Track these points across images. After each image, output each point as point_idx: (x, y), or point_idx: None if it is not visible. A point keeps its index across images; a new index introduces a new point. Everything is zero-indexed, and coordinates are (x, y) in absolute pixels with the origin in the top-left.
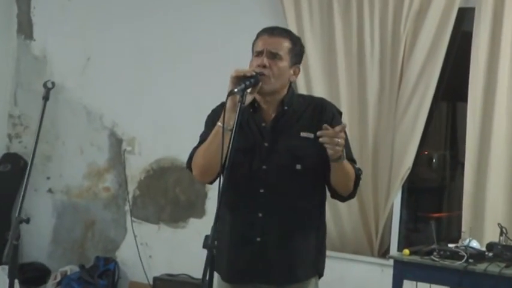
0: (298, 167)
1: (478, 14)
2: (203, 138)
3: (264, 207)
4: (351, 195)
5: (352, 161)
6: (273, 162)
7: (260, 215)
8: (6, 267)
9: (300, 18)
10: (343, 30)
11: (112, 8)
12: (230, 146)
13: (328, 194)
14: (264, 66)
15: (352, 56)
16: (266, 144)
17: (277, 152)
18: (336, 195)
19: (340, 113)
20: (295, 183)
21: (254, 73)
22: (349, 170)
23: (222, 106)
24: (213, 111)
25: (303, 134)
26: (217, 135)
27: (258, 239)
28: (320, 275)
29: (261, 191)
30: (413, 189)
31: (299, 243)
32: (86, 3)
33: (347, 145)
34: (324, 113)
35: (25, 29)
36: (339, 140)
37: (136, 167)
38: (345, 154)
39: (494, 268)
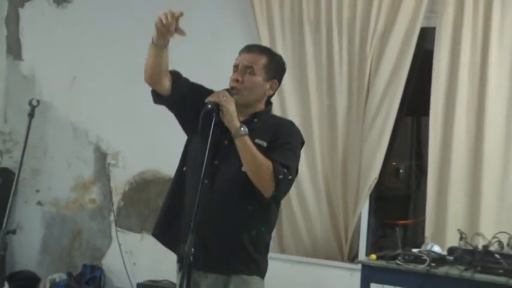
0: (243, 169)
1: (438, 33)
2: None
3: (207, 195)
4: (275, 197)
5: (281, 164)
6: (225, 160)
7: (205, 202)
8: None
9: (273, 38)
10: (313, 50)
11: (97, 29)
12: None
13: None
14: (237, 81)
15: (322, 74)
16: (226, 142)
17: (231, 152)
18: (258, 193)
19: (302, 141)
20: (238, 183)
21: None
22: (259, 157)
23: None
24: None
25: (257, 141)
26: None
27: (192, 224)
28: (258, 274)
29: (206, 181)
30: (380, 197)
31: (232, 237)
32: (72, 24)
33: (288, 151)
34: (281, 129)
35: (14, 49)
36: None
37: (121, 179)
38: (242, 130)
39: (454, 271)
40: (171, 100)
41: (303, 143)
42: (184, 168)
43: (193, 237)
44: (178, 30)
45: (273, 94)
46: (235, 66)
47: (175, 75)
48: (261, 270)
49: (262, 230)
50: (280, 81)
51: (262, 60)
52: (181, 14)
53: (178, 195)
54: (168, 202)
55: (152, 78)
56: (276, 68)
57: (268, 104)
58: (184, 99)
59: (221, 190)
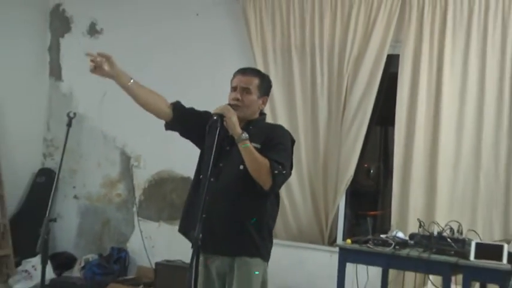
0: (241, 167)
1: (401, 59)
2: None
3: (212, 192)
4: (271, 189)
5: (276, 162)
6: (227, 161)
7: (207, 197)
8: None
9: (267, 62)
10: (299, 70)
11: (121, 54)
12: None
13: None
14: (238, 99)
15: (307, 90)
16: (227, 148)
17: (231, 154)
18: (259, 187)
19: (293, 141)
20: (236, 179)
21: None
22: (259, 158)
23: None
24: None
25: (252, 144)
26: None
27: (204, 215)
28: (260, 256)
29: (212, 179)
30: (355, 192)
31: (235, 224)
32: (103, 50)
33: (282, 150)
34: (273, 132)
35: (55, 72)
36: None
37: (142, 178)
38: (243, 136)
39: (414, 253)
40: (177, 125)
41: (293, 141)
42: (201, 176)
43: (201, 225)
44: (101, 59)
45: (264, 107)
46: (234, 87)
47: (176, 105)
48: (261, 253)
49: (261, 218)
50: (268, 96)
51: (256, 81)
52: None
53: (197, 199)
54: (188, 204)
55: (152, 111)
56: (266, 86)
57: (262, 114)
58: (187, 122)
59: (225, 186)
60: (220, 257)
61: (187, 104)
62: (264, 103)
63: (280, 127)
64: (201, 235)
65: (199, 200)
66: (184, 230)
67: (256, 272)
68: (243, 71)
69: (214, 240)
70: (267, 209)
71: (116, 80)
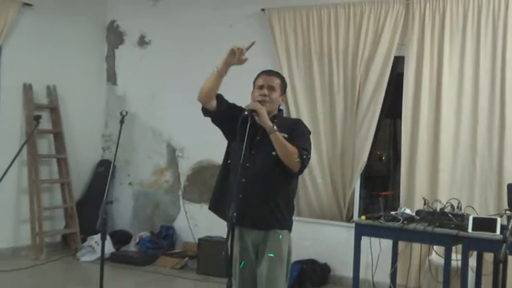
0: (274, 153)
1: (406, 60)
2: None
3: (247, 175)
4: (300, 171)
5: (302, 148)
6: (259, 149)
7: (243, 180)
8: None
9: (290, 64)
10: (319, 72)
11: (167, 61)
12: (244, 146)
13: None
14: (265, 95)
15: (325, 88)
16: (258, 138)
17: (263, 143)
18: (289, 170)
19: (309, 131)
20: (270, 164)
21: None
22: (288, 145)
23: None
24: (241, 107)
25: (281, 133)
26: (213, 75)
27: (241, 195)
28: (287, 228)
29: (247, 164)
30: (368, 176)
31: (267, 201)
32: (150, 59)
33: (303, 139)
34: (296, 125)
35: (111, 78)
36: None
37: (185, 166)
38: (275, 128)
39: (420, 227)
40: (217, 114)
41: (310, 132)
42: (229, 161)
43: (238, 204)
44: (243, 60)
45: (283, 103)
46: (260, 86)
47: (220, 97)
48: (288, 225)
49: (288, 196)
50: (285, 94)
51: (278, 80)
52: (251, 46)
53: (225, 181)
54: (217, 186)
55: (206, 99)
56: (284, 86)
57: (280, 110)
58: (225, 113)
59: (259, 170)
60: (255, 230)
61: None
62: (283, 100)
63: (300, 121)
64: (235, 213)
65: (230, 182)
66: (215, 209)
67: (281, 236)
68: (268, 72)
69: (252, 216)
70: (292, 188)
71: (227, 69)
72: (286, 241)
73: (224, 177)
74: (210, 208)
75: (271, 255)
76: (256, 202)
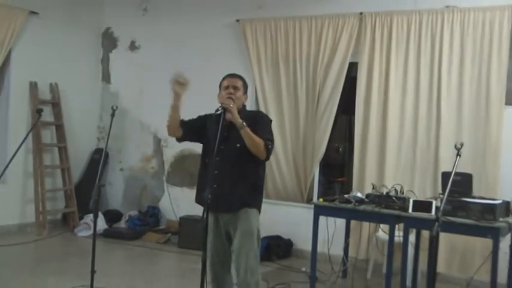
0: (238, 145)
1: (359, 66)
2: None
3: (219, 167)
4: (266, 158)
5: (267, 139)
6: (227, 143)
7: (216, 171)
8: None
9: (261, 69)
10: (285, 75)
11: (154, 63)
12: (218, 138)
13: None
14: (231, 93)
15: (290, 89)
16: (225, 134)
17: (230, 138)
18: (256, 158)
19: (271, 120)
20: (236, 155)
21: (231, 102)
22: (256, 139)
23: (208, 115)
24: (204, 115)
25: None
26: (172, 109)
27: (215, 185)
28: (256, 208)
29: (217, 158)
30: (326, 164)
31: (237, 187)
32: (140, 62)
33: (266, 130)
34: (257, 117)
35: (106, 78)
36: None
37: (169, 155)
38: (244, 124)
39: (369, 208)
40: (188, 136)
41: (271, 120)
42: (207, 160)
43: (213, 191)
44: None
45: (246, 101)
46: (226, 86)
47: (183, 123)
48: (257, 205)
49: (256, 179)
50: (247, 93)
51: (241, 82)
52: (185, 82)
53: (204, 177)
54: (199, 182)
55: (174, 131)
56: (246, 86)
57: (243, 106)
58: (193, 131)
59: (228, 160)
60: (228, 214)
61: (202, 102)
62: (246, 99)
63: (260, 112)
64: (210, 196)
65: (208, 176)
66: (199, 201)
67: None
68: (231, 75)
69: (225, 202)
70: (259, 173)
71: (179, 104)
72: (255, 219)
73: (203, 174)
74: (196, 201)
75: (243, 231)
76: (228, 189)
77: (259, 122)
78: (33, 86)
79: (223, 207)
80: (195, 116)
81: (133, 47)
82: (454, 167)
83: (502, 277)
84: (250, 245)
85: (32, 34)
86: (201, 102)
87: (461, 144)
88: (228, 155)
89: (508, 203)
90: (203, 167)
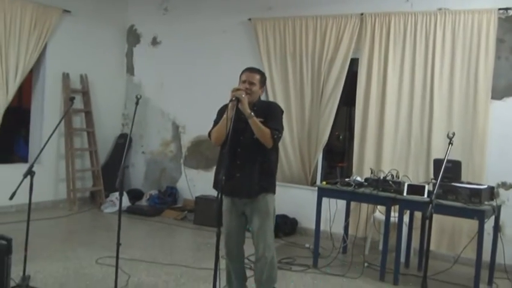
0: (255, 136)
1: (360, 62)
2: (216, 121)
3: (240, 157)
4: (273, 146)
5: (274, 129)
6: (245, 135)
7: (238, 162)
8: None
9: (270, 63)
10: (292, 69)
11: (174, 57)
12: (230, 128)
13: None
14: (247, 88)
15: (297, 82)
16: (242, 126)
17: (246, 130)
18: (265, 146)
19: (282, 111)
20: (254, 144)
21: (243, 93)
22: (262, 128)
23: (225, 106)
24: (220, 108)
25: (258, 119)
26: (223, 122)
27: (238, 175)
28: (272, 192)
29: (238, 150)
30: (329, 150)
31: (256, 175)
32: (161, 56)
33: (276, 120)
34: (269, 108)
35: (130, 70)
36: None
37: (186, 140)
38: (252, 114)
39: (367, 190)
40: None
41: (282, 111)
42: (224, 150)
43: (234, 181)
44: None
45: (262, 94)
46: (244, 81)
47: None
48: (273, 189)
49: (271, 167)
50: (264, 86)
51: (258, 76)
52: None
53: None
54: (217, 170)
55: (221, 140)
56: (264, 80)
57: (259, 98)
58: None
59: (247, 150)
60: (247, 199)
61: (216, 93)
62: (262, 92)
63: (273, 103)
64: (229, 182)
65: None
66: (216, 187)
67: (267, 198)
68: (250, 69)
69: (245, 190)
70: (274, 160)
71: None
72: (272, 201)
73: (222, 162)
74: (214, 187)
75: (261, 212)
76: (248, 178)
77: (270, 112)
78: (66, 77)
79: (244, 194)
80: (212, 109)
81: (154, 42)
82: (446, 154)
83: (486, 255)
84: (268, 225)
85: (65, 30)
86: (216, 94)
87: (453, 134)
88: (247, 145)
89: (492, 188)
90: (221, 156)
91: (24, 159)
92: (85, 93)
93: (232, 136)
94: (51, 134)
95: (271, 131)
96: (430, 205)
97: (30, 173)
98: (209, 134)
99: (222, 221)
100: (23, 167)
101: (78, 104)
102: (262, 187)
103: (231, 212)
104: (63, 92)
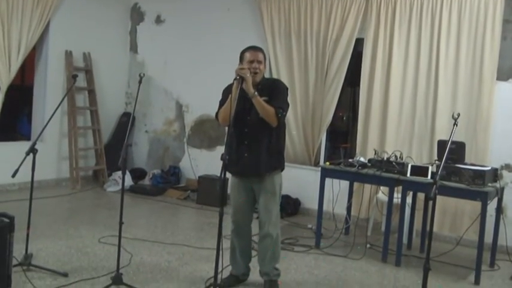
0: (261, 115)
1: (365, 42)
2: (221, 101)
3: (247, 137)
4: (277, 125)
5: (278, 107)
6: (251, 114)
7: (246, 142)
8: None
9: (274, 42)
10: (296, 48)
11: (178, 36)
12: (233, 108)
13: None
14: (256, 68)
15: (301, 61)
16: (248, 106)
17: (252, 110)
18: (270, 124)
19: (287, 88)
20: (261, 123)
21: (247, 72)
22: (266, 107)
23: (230, 85)
24: (226, 88)
25: (263, 98)
26: (229, 102)
27: (246, 154)
28: (280, 169)
29: (246, 130)
30: (332, 131)
31: (264, 154)
32: (164, 34)
33: (280, 98)
34: (273, 85)
35: (133, 48)
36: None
37: (189, 119)
38: (255, 93)
39: (371, 171)
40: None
41: (287, 88)
42: (232, 129)
43: (243, 161)
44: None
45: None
46: (251, 60)
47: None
48: (281, 166)
49: (280, 144)
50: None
51: (262, 55)
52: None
53: (231, 145)
54: (226, 149)
55: (228, 120)
56: (265, 57)
57: (263, 76)
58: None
59: (253, 129)
60: (256, 178)
61: (220, 72)
62: (265, 70)
63: (278, 81)
64: (227, 156)
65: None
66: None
67: (274, 177)
68: (254, 48)
69: (253, 169)
70: (282, 138)
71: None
72: (279, 178)
73: (230, 143)
74: (221, 159)
75: (268, 192)
76: (256, 158)
77: (274, 90)
78: (69, 55)
79: (253, 173)
80: (216, 88)
81: (158, 20)
82: (451, 135)
83: (488, 237)
84: (274, 203)
85: (68, 7)
86: (220, 73)
87: (458, 115)
88: (254, 125)
89: (496, 169)
90: (229, 136)
91: (27, 137)
92: (88, 72)
93: (239, 116)
94: (54, 112)
95: (275, 109)
96: (434, 186)
97: (32, 150)
98: (216, 115)
99: (230, 198)
100: (25, 145)
101: (81, 82)
102: (270, 166)
103: (239, 187)
104: (66, 70)
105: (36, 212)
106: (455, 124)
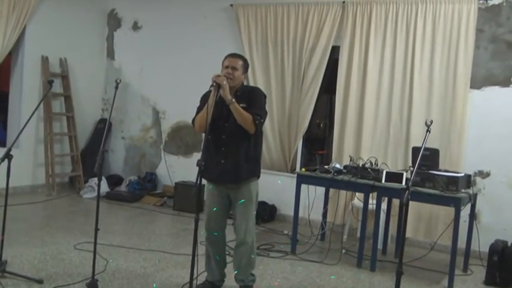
0: (238, 122)
1: (341, 50)
2: (199, 108)
3: (225, 144)
4: (255, 132)
5: (256, 114)
6: (229, 121)
7: (223, 148)
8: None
9: (251, 50)
10: (273, 56)
11: (154, 42)
12: (209, 114)
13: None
14: (229, 73)
15: (278, 69)
16: (225, 113)
17: (229, 117)
18: (247, 132)
19: (265, 96)
20: (238, 130)
21: (224, 80)
22: (244, 114)
23: (208, 92)
24: (204, 94)
25: (241, 105)
26: (206, 109)
27: (222, 161)
28: (256, 176)
29: (223, 136)
30: (309, 138)
31: (241, 161)
32: (141, 40)
33: (258, 105)
34: (252, 93)
35: (110, 54)
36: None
37: (166, 125)
38: (233, 100)
39: (346, 178)
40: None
41: (265, 96)
42: (209, 136)
43: (220, 167)
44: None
45: (245, 80)
46: (226, 66)
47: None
48: (257, 174)
49: (257, 152)
50: (247, 73)
51: (241, 62)
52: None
53: (207, 151)
54: (202, 156)
55: (204, 127)
56: (246, 66)
57: (242, 83)
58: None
59: (230, 136)
60: (232, 184)
61: (197, 79)
62: (245, 78)
63: (256, 88)
64: (203, 162)
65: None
66: (202, 173)
67: (251, 185)
68: (232, 55)
69: (230, 176)
70: (259, 145)
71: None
72: (255, 186)
73: (207, 149)
74: (197, 165)
75: (243, 200)
76: (233, 165)
77: (252, 97)
78: (45, 60)
79: (229, 180)
80: (193, 95)
81: (135, 27)
82: (424, 141)
83: (462, 242)
84: (250, 211)
85: (45, 12)
86: (196, 80)
87: (431, 121)
88: (231, 132)
89: (469, 176)
90: (206, 142)
91: (3, 144)
92: (64, 77)
93: (217, 123)
94: (30, 118)
95: (253, 116)
96: (407, 192)
97: (8, 156)
98: (193, 121)
99: (204, 205)
100: (1, 151)
101: (58, 88)
102: (247, 173)
103: (214, 194)
104: (43, 75)
105: (11, 219)
106: (428, 131)
